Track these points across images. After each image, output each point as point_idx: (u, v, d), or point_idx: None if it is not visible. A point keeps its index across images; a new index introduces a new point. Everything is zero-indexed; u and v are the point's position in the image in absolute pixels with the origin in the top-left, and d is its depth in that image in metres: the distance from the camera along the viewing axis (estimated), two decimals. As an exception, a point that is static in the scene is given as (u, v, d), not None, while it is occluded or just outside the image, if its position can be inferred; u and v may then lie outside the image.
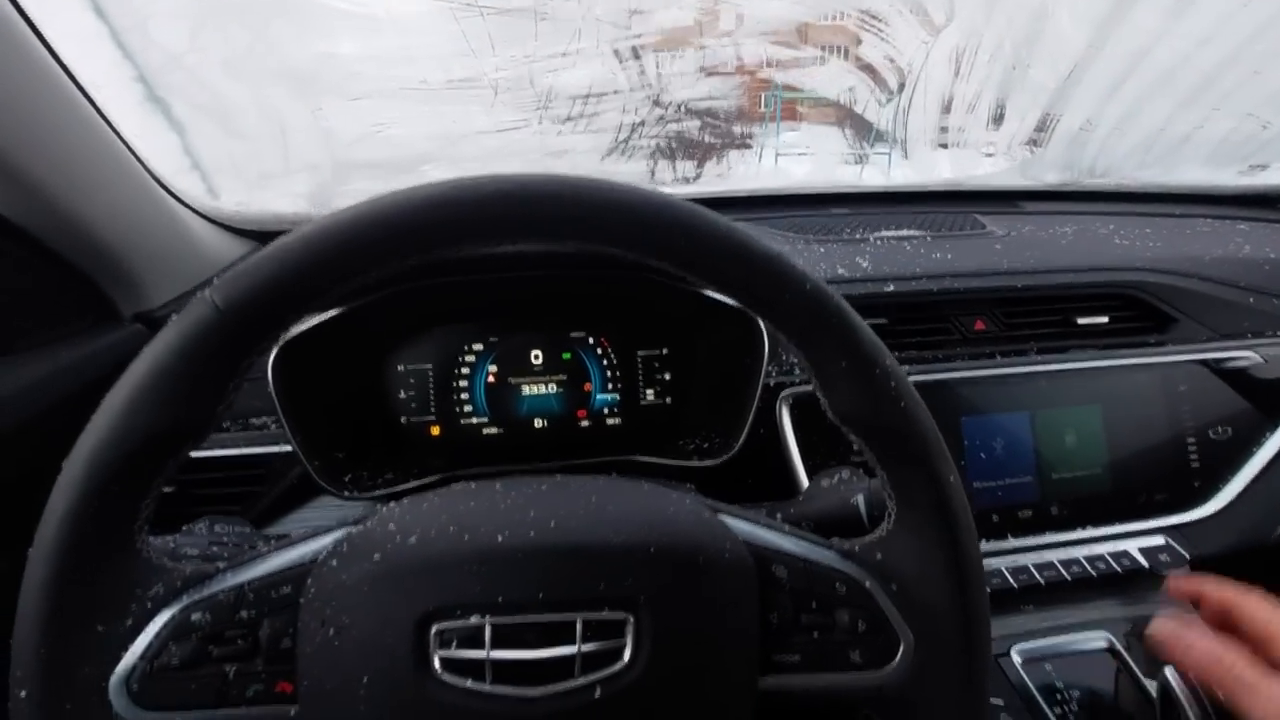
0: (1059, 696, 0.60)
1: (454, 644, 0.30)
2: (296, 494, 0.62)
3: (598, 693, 0.30)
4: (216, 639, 0.32)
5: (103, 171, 0.59)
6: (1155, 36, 0.88)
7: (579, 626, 0.31)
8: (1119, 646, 0.63)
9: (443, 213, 0.32)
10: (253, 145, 0.71)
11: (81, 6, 0.54)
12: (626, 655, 0.31)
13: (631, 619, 0.31)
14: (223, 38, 0.64)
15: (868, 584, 0.35)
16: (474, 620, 0.30)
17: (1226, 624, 0.41)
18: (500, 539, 0.32)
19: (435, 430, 0.74)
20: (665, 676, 0.31)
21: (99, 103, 0.57)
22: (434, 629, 0.31)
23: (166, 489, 0.62)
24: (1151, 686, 0.60)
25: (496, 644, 0.30)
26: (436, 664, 0.30)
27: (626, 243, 0.33)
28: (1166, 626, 0.41)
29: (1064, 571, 0.65)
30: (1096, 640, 0.64)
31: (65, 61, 0.53)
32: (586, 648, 0.31)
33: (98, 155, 0.58)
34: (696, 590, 0.32)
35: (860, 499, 0.46)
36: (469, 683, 0.30)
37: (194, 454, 0.61)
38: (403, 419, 0.73)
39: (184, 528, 0.45)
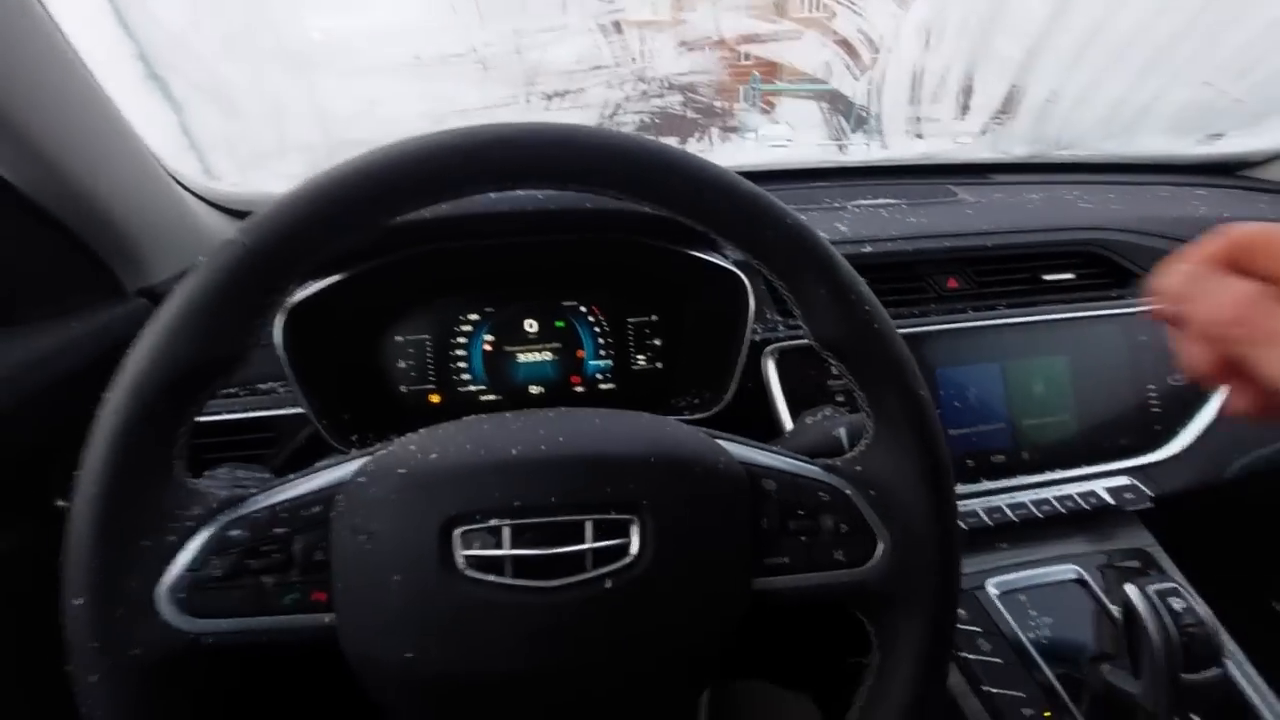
0: (1032, 624, 0.64)
1: (476, 544, 0.33)
2: (305, 454, 0.64)
3: (608, 584, 0.33)
4: (253, 553, 0.34)
5: (108, 147, 0.60)
6: (1113, 6, 0.93)
7: (589, 527, 0.34)
8: (1086, 578, 0.68)
9: (458, 158, 0.34)
10: (247, 125, 0.73)
11: (85, -16, 0.56)
12: (633, 551, 0.34)
13: (636, 519, 0.34)
14: (221, 15, 0.66)
15: (848, 492, 0.38)
16: (494, 522, 0.33)
17: (1240, 268, 0.30)
18: (514, 452, 0.35)
19: (435, 399, 0.76)
20: (668, 571, 0.34)
21: (100, 78, 0.58)
22: (458, 531, 0.33)
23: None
24: (1117, 613, 0.64)
25: (515, 544, 0.33)
26: (461, 562, 0.33)
27: (626, 185, 0.36)
28: (1174, 275, 0.31)
29: (1035, 510, 0.69)
30: (1066, 573, 0.68)
31: (69, 36, 0.55)
32: (596, 545, 0.34)
33: (103, 131, 0.60)
34: (693, 495, 0.36)
35: (842, 430, 0.50)
36: (491, 577, 0.33)
37: (207, 417, 0.64)
38: (403, 388, 0.75)
39: (206, 473, 0.47)
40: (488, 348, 0.77)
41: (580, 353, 0.78)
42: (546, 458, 0.35)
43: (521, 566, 0.33)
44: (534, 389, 0.78)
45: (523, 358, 0.77)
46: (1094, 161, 1.10)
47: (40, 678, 0.66)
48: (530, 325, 0.77)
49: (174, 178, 0.73)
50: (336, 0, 0.72)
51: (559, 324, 0.78)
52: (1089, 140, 1.10)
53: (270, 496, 0.36)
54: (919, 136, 1.06)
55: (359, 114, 0.77)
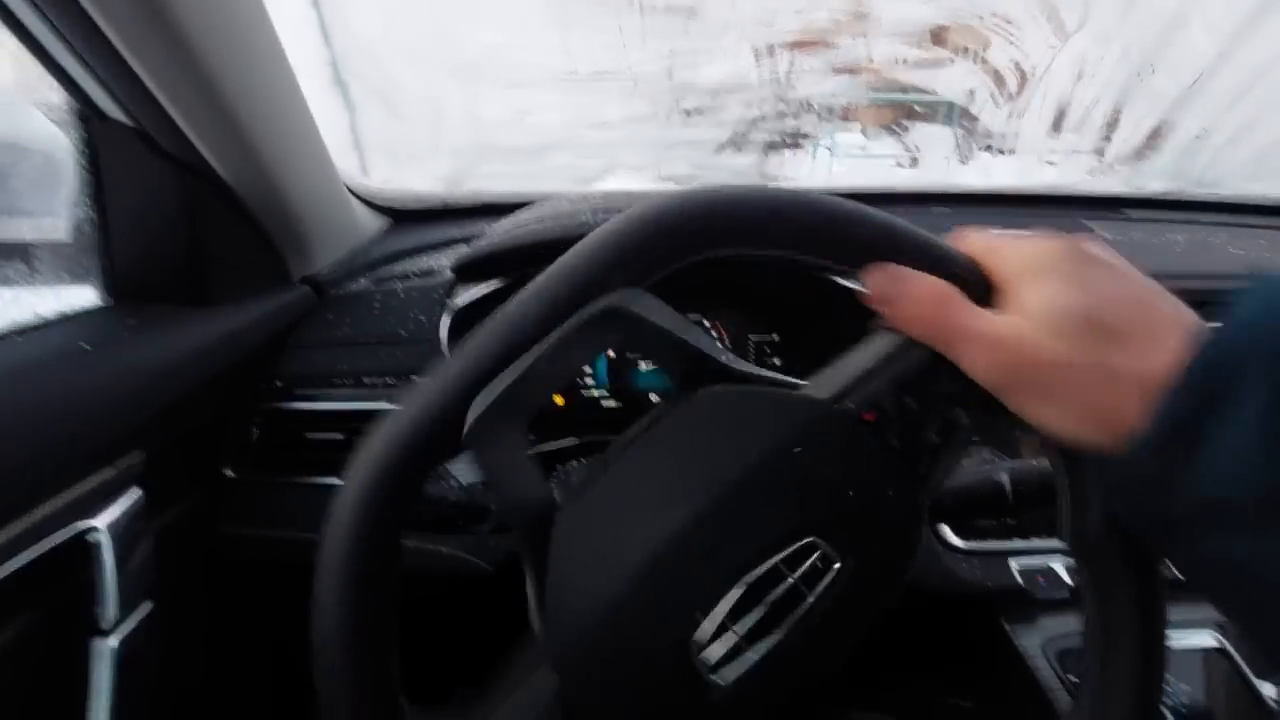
0: (1166, 700, 0.61)
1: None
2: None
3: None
4: None
5: (300, 146, 0.65)
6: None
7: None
8: (1227, 645, 0.64)
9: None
10: (408, 128, 0.77)
11: (303, -1, 0.60)
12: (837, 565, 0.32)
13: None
14: (407, 25, 0.70)
15: None
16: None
17: None
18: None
19: (559, 401, 0.79)
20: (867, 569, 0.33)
21: (302, 83, 0.63)
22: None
23: (337, 436, 0.68)
24: (1268, 689, 0.60)
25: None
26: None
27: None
28: (878, 276, 0.32)
29: (1167, 565, 0.66)
30: (1203, 638, 0.64)
31: (283, 43, 0.59)
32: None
33: (298, 131, 0.64)
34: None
35: (1005, 476, 0.49)
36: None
37: (364, 404, 0.67)
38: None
39: None
40: (612, 354, 0.79)
41: (700, 365, 0.79)
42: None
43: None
44: (654, 396, 0.79)
45: (644, 366, 0.79)
46: (1240, 202, 1.04)
47: (218, 632, 0.71)
48: (655, 336, 0.79)
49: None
50: (510, 15, 0.75)
51: (680, 337, 0.79)
52: (1233, 180, 1.04)
53: None
54: (1050, 164, 1.03)
55: (508, 122, 0.80)
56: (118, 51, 0.48)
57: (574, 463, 0.52)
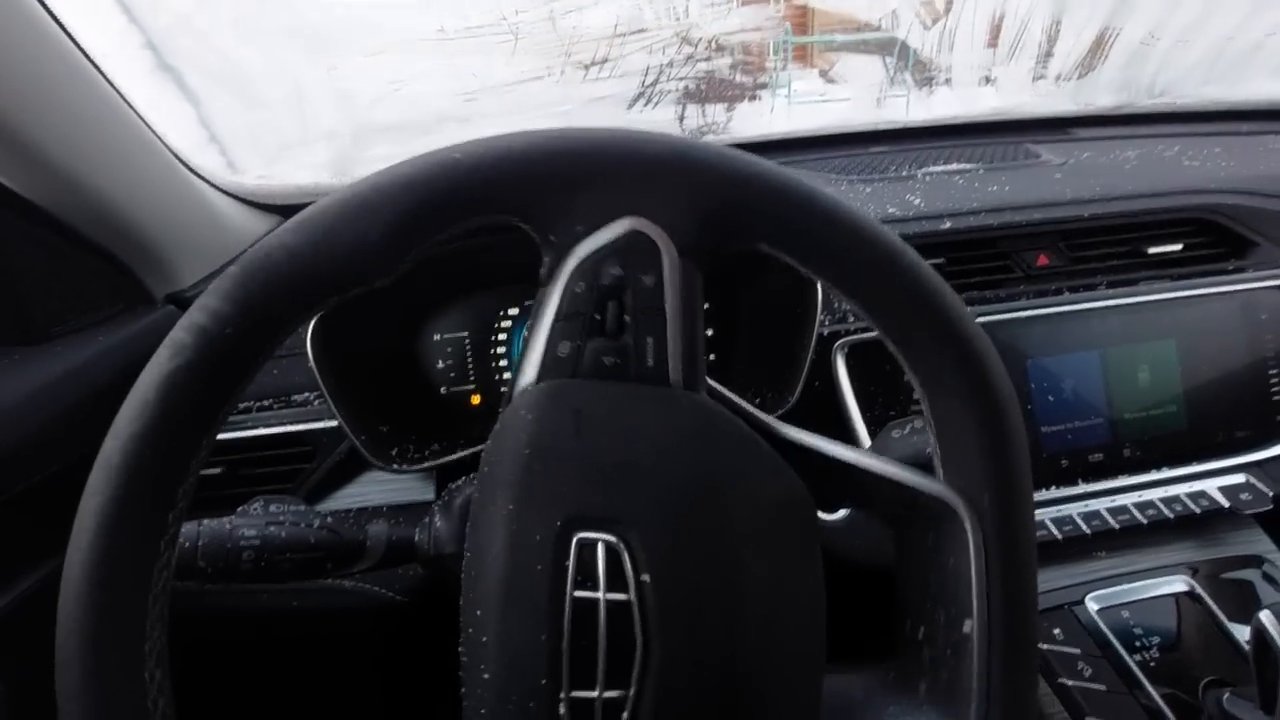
0: (1138, 644, 0.58)
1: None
2: (345, 469, 0.61)
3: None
4: None
5: (121, 147, 0.57)
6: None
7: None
8: (1199, 590, 0.61)
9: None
10: (269, 114, 0.68)
11: (83, -31, 0.51)
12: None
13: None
14: (230, -2, 0.61)
15: None
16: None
17: None
18: None
19: (475, 398, 0.72)
20: None
21: (109, 74, 0.54)
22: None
23: (214, 470, 0.61)
24: (1236, 632, 0.58)
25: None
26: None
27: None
28: None
29: (1139, 515, 0.63)
30: (1175, 584, 0.61)
31: (72, 31, 0.51)
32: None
33: (114, 130, 0.56)
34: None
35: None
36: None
37: (240, 433, 0.61)
38: (442, 389, 0.71)
39: (239, 509, 0.44)
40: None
41: (627, 343, 0.73)
42: None
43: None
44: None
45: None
46: (1193, 110, 0.99)
47: None
48: (573, 317, 0.72)
49: (198, 174, 0.69)
50: (348, -28, 0.66)
51: (603, 315, 0.73)
52: (1186, 85, 0.98)
53: None
54: (989, 84, 0.96)
55: (383, 96, 0.72)
56: None
57: (460, 480, 0.46)
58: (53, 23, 0.50)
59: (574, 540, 0.29)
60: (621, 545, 0.29)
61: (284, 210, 0.82)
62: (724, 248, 0.32)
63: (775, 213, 0.32)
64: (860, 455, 0.35)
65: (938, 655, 0.33)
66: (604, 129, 0.32)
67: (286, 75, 0.66)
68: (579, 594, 0.28)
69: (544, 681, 0.28)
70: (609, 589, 0.28)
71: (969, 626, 0.31)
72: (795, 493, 0.33)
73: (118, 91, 0.55)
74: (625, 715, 0.28)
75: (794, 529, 0.33)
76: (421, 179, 0.30)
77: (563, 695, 0.28)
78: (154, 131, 0.61)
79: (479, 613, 0.29)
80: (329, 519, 0.44)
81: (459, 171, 0.30)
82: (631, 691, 0.28)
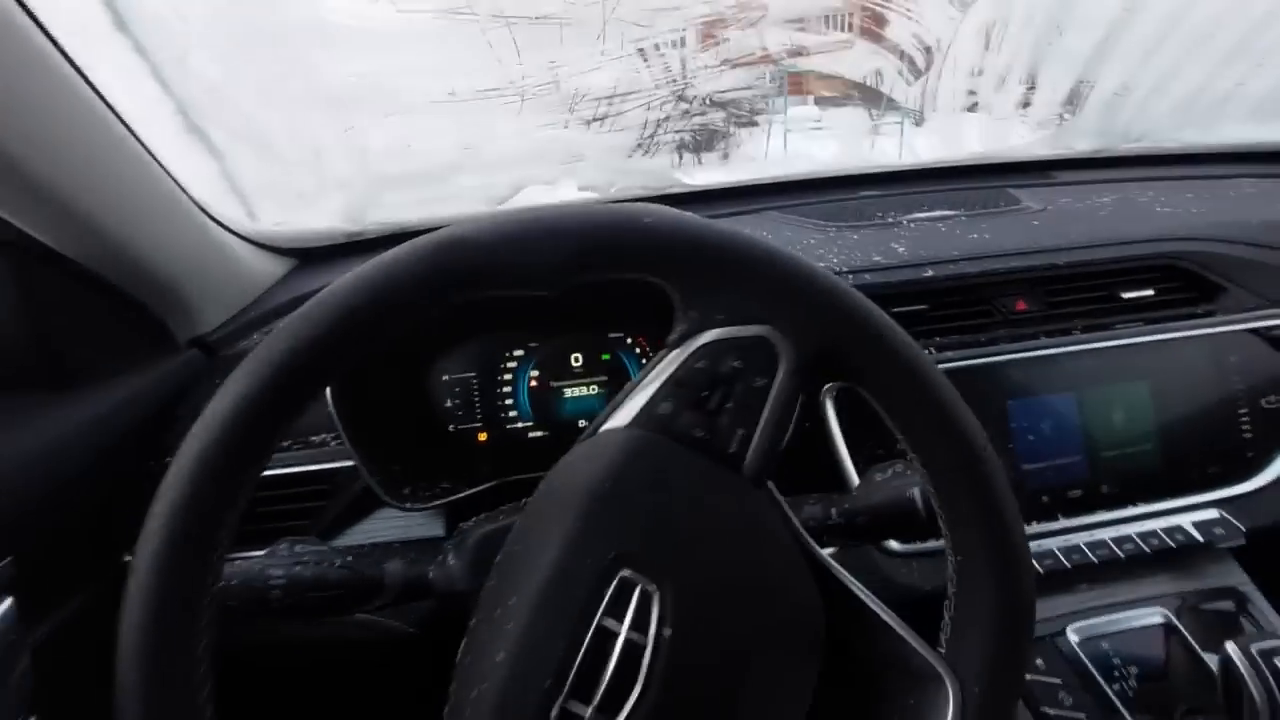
0: (1117, 674, 0.60)
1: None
2: (359, 506, 0.64)
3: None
4: None
5: (150, 201, 0.60)
6: (1193, -6, 0.85)
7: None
8: (1175, 622, 0.63)
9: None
10: (287, 167, 0.73)
11: (124, 46, 0.56)
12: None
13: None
14: (257, 67, 0.66)
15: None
16: None
17: None
18: None
19: (482, 436, 0.75)
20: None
21: (142, 136, 0.58)
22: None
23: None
24: (1211, 661, 0.60)
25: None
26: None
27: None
28: None
29: (1117, 549, 0.65)
30: (1152, 616, 0.64)
31: (109, 98, 0.55)
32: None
33: (144, 186, 0.60)
34: None
35: (915, 492, 0.47)
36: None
37: (264, 472, 0.64)
38: (450, 427, 0.74)
39: (268, 550, 0.47)
40: (534, 383, 0.75)
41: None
42: None
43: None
44: (582, 423, 0.76)
45: (569, 392, 0.76)
46: (1168, 153, 1.03)
47: None
48: (576, 359, 0.75)
49: (219, 223, 0.73)
50: (370, 42, 0.71)
51: (605, 356, 0.76)
52: (1162, 131, 1.03)
53: None
54: (972, 128, 1.01)
55: (395, 150, 0.76)
56: None
57: (473, 520, 0.49)
58: (88, 89, 0.53)
59: (618, 575, 0.32)
60: (656, 594, 0.32)
61: (299, 254, 0.86)
62: (828, 380, 0.37)
63: (875, 366, 0.36)
64: (876, 602, 0.39)
65: None
66: (764, 241, 0.36)
67: (305, 134, 0.71)
68: (605, 621, 0.31)
69: (548, 683, 0.31)
70: (632, 627, 0.31)
71: None
72: (812, 610, 0.37)
73: (146, 149, 0.59)
74: None
75: (803, 638, 0.36)
76: (607, 224, 0.35)
77: (559, 701, 0.31)
78: (180, 185, 0.64)
79: (512, 602, 0.33)
80: (349, 558, 0.46)
81: (637, 230, 0.35)
82: None
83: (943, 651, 0.36)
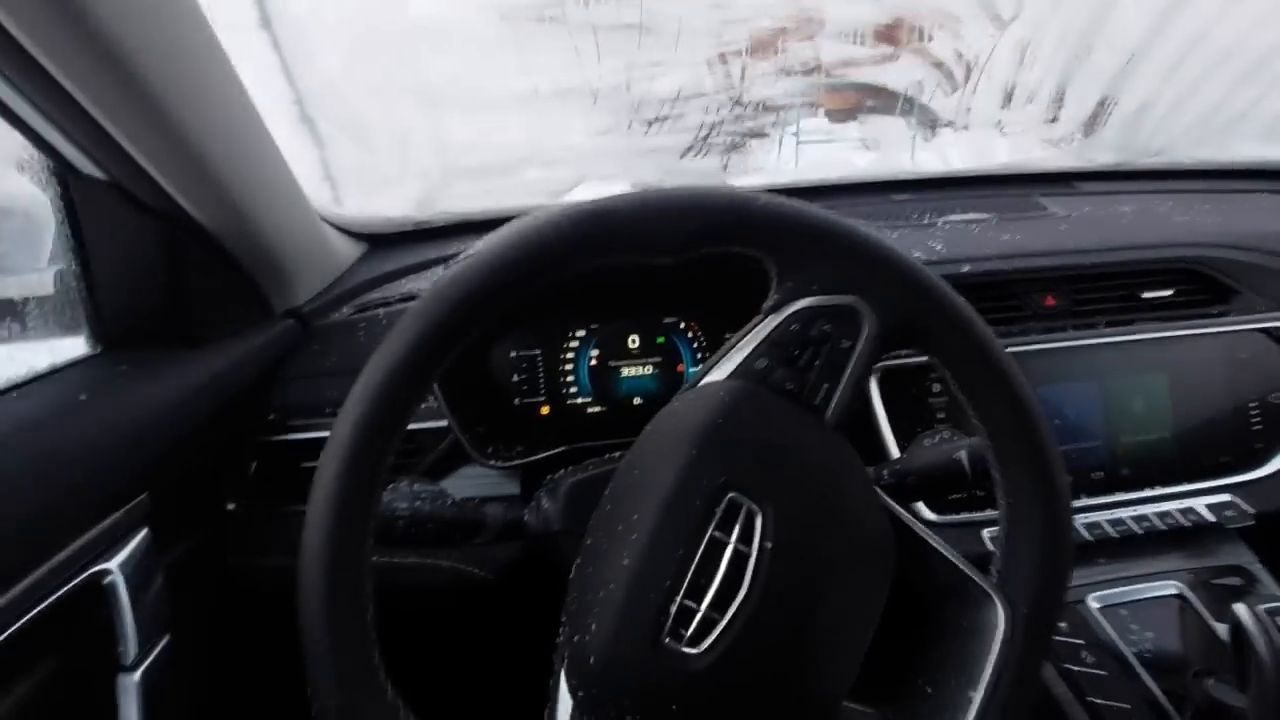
0: (1133, 637, 0.66)
1: None
2: (445, 463, 0.70)
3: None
4: None
5: (272, 185, 0.67)
6: (1214, 19, 0.91)
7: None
8: (1188, 594, 0.69)
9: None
10: (377, 156, 0.79)
11: (264, 41, 0.62)
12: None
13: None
14: (370, 64, 0.72)
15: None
16: None
17: None
18: None
19: (544, 410, 0.81)
20: None
21: (269, 122, 0.65)
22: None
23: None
24: (1220, 630, 0.65)
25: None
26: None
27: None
28: None
29: (1135, 526, 0.71)
30: (1167, 588, 0.69)
31: (247, 89, 0.61)
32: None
33: (270, 172, 0.66)
34: None
35: (963, 454, 0.52)
36: None
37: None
38: (516, 400, 0.80)
39: (390, 486, 0.52)
40: (594, 362, 0.81)
41: (680, 366, 0.82)
42: None
43: None
44: (637, 400, 0.82)
45: (626, 371, 0.82)
46: (1185, 168, 1.09)
47: (233, 660, 0.73)
48: (633, 341, 0.81)
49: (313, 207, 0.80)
50: (468, 45, 0.77)
51: (660, 339, 0.82)
52: (1180, 146, 1.08)
53: None
54: (1002, 140, 1.06)
55: (474, 143, 0.83)
56: (88, 112, 0.50)
57: (561, 471, 0.55)
58: (239, 81, 0.60)
59: (727, 496, 0.38)
60: (759, 514, 0.38)
61: (371, 239, 0.92)
62: (904, 347, 0.43)
63: (948, 336, 0.42)
64: (934, 537, 0.45)
65: (937, 710, 0.41)
66: (857, 225, 0.43)
67: (398, 126, 0.77)
68: (716, 533, 0.37)
69: (669, 583, 0.37)
70: (739, 540, 0.37)
71: (973, 695, 0.40)
72: (885, 538, 0.43)
73: (273, 137, 0.66)
74: (715, 633, 0.36)
75: (877, 562, 0.42)
76: (725, 203, 0.41)
77: (678, 598, 0.36)
78: (291, 170, 0.71)
79: (635, 518, 0.38)
80: (456, 500, 0.53)
81: (752, 209, 0.41)
82: (725, 619, 0.37)
83: (993, 579, 0.42)
